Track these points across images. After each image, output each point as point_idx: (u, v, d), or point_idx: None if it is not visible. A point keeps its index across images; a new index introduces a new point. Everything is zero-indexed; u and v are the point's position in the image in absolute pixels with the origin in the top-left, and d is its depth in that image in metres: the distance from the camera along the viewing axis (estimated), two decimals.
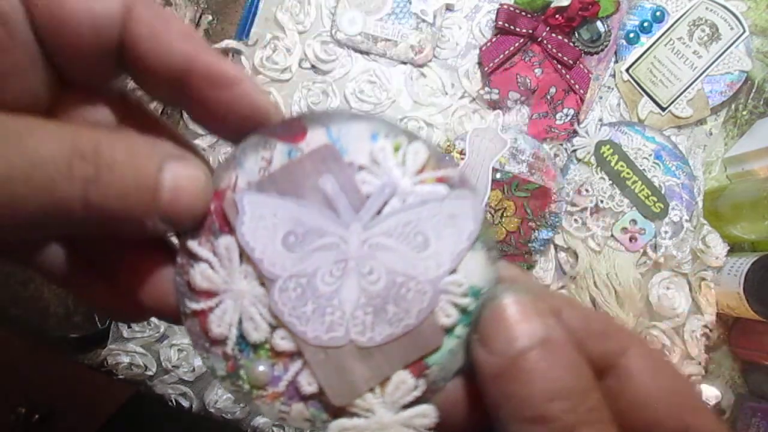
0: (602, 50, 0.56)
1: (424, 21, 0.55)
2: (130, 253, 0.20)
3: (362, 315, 0.20)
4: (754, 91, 0.58)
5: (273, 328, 0.20)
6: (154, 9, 0.18)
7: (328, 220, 0.20)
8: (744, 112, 0.58)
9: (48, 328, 0.57)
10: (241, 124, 0.20)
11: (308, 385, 0.20)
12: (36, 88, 0.18)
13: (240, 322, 0.20)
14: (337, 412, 0.20)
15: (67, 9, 0.16)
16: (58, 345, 0.57)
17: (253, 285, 0.20)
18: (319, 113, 0.21)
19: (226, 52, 0.57)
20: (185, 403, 0.56)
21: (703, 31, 0.56)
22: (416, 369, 0.20)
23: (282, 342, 0.20)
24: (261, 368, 0.20)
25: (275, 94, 0.56)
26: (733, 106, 0.58)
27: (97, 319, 0.57)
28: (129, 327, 0.56)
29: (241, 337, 0.20)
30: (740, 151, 0.57)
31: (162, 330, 0.56)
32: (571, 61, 0.54)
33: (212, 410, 0.55)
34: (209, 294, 0.20)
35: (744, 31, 0.55)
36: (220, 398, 0.56)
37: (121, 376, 0.56)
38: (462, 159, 0.54)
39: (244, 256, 0.20)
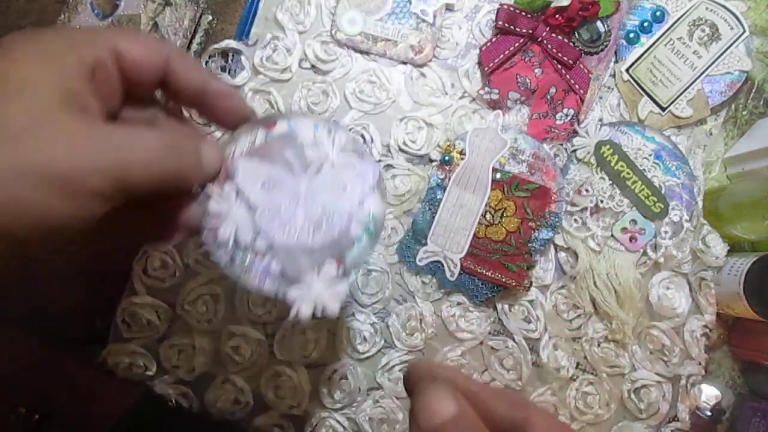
0: (602, 50, 0.56)
1: (424, 21, 0.55)
2: (173, 196, 0.33)
3: (307, 229, 0.35)
4: (754, 91, 0.58)
5: (255, 236, 0.35)
6: (182, 55, 0.32)
7: (288, 175, 0.36)
8: (744, 112, 0.58)
9: (48, 328, 0.57)
10: (235, 120, 0.35)
11: (275, 268, 0.35)
12: (118, 102, 0.31)
13: (235, 232, 0.35)
14: (291, 284, 0.35)
15: (137, 58, 0.29)
16: (59, 345, 0.57)
17: (244, 211, 0.35)
18: (283, 113, 0.37)
19: (226, 51, 0.57)
20: (185, 403, 0.56)
21: (703, 31, 0.56)
22: (338, 261, 0.35)
23: (260, 243, 0.34)
24: (247, 260, 0.35)
25: (275, 94, 0.56)
26: (733, 106, 0.58)
27: (97, 319, 0.57)
28: (129, 327, 0.56)
29: (236, 242, 0.35)
30: (740, 151, 0.57)
31: (162, 330, 0.56)
32: (571, 61, 0.54)
33: (212, 410, 0.55)
34: (218, 216, 0.34)
35: (744, 31, 0.55)
36: (219, 398, 0.56)
37: (121, 376, 0.56)
38: (462, 159, 0.54)
39: (239, 194, 0.35)
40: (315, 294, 0.35)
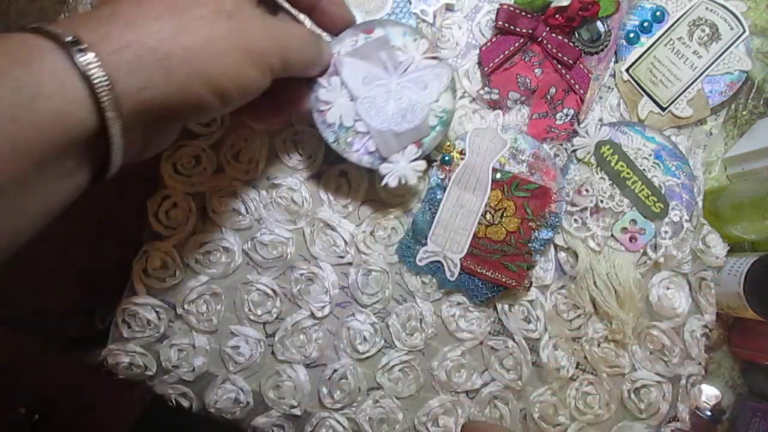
0: (602, 50, 0.56)
1: (424, 21, 0.55)
2: (290, 86, 0.42)
3: (396, 117, 0.45)
4: (754, 91, 0.58)
5: (356, 121, 0.45)
6: None
7: (382, 72, 0.45)
8: (744, 112, 0.58)
9: (48, 328, 0.57)
10: (341, 24, 0.44)
11: (372, 147, 0.46)
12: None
13: (340, 116, 0.45)
14: (382, 160, 0.46)
15: None
16: (58, 345, 0.57)
17: (347, 100, 0.45)
18: (379, 20, 0.47)
19: None
20: (185, 403, 0.56)
21: (703, 31, 0.56)
22: (417, 144, 0.46)
23: (359, 126, 0.46)
24: (349, 139, 0.46)
25: None
26: (733, 106, 0.58)
27: (97, 319, 0.57)
28: (129, 327, 0.56)
29: (341, 124, 0.45)
30: (740, 151, 0.57)
31: (162, 330, 0.56)
32: (571, 61, 0.54)
33: (212, 410, 0.55)
34: (327, 103, 0.45)
35: (744, 31, 0.55)
36: (220, 398, 0.56)
37: (121, 376, 0.56)
38: (462, 159, 0.54)
39: (344, 86, 0.45)
40: (400, 168, 0.46)
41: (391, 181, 0.46)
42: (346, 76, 0.44)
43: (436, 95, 0.46)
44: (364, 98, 0.45)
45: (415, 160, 0.46)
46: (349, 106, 0.45)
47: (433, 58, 0.46)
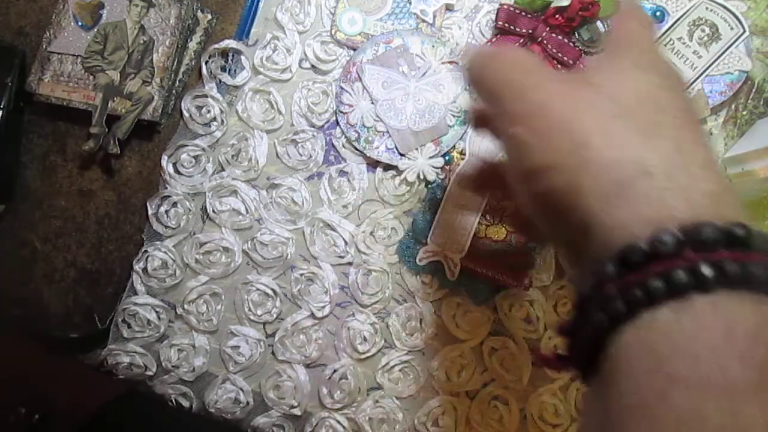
0: (602, 50, 0.56)
1: (424, 21, 0.55)
2: None
3: (415, 117, 0.50)
4: (754, 91, 0.58)
5: (376, 121, 0.50)
6: None
7: (401, 77, 0.50)
8: (744, 112, 0.58)
9: (48, 328, 0.57)
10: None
11: (391, 145, 0.50)
12: None
13: (362, 117, 0.50)
14: (402, 157, 0.51)
15: None
16: (58, 345, 0.57)
17: (369, 103, 0.50)
18: (398, 30, 0.52)
19: (226, 51, 0.57)
20: (185, 403, 0.56)
21: (703, 31, 0.56)
22: (436, 142, 0.50)
23: (379, 126, 0.51)
24: (370, 138, 0.50)
25: (275, 94, 0.56)
26: (733, 106, 0.58)
27: (97, 319, 0.57)
28: (129, 327, 0.56)
29: (363, 124, 0.51)
30: (740, 151, 0.57)
31: (162, 330, 0.56)
32: (571, 61, 0.54)
33: (212, 410, 0.55)
34: (350, 105, 0.51)
35: (744, 31, 0.55)
36: (220, 398, 0.56)
37: (121, 376, 0.56)
38: (462, 159, 0.54)
39: (365, 90, 0.50)
40: (419, 165, 0.51)
41: (410, 176, 0.51)
42: (368, 82, 0.50)
43: (453, 96, 0.51)
44: (384, 100, 0.50)
45: (434, 157, 0.51)
46: (370, 108, 0.50)
47: (451, 62, 0.51)
